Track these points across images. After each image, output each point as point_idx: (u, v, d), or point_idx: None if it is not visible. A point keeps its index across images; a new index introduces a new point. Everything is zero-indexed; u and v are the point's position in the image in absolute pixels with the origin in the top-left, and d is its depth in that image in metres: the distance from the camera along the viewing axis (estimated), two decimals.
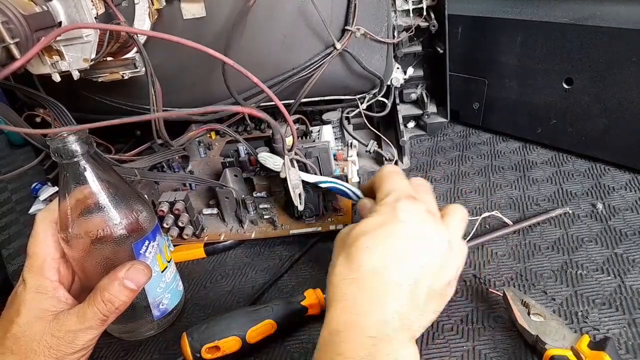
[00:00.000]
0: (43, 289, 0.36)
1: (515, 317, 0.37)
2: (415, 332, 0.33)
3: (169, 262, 0.44)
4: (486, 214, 0.51)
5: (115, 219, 0.38)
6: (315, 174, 0.51)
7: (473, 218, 0.51)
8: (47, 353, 0.34)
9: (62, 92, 0.44)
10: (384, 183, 0.38)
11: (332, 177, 0.49)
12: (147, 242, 0.40)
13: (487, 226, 0.51)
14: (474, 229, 0.49)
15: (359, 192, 0.44)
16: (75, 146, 0.35)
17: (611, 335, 0.37)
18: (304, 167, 0.50)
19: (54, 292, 0.36)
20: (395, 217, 0.34)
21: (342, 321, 0.31)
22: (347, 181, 0.53)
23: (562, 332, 0.35)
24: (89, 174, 0.37)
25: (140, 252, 0.40)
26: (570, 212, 0.50)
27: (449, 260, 0.35)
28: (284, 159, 0.47)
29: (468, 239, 0.48)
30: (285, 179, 0.47)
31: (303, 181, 0.48)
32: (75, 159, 0.35)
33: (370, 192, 0.41)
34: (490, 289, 0.42)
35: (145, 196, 0.53)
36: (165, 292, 0.43)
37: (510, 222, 0.50)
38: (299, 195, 0.48)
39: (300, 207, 0.48)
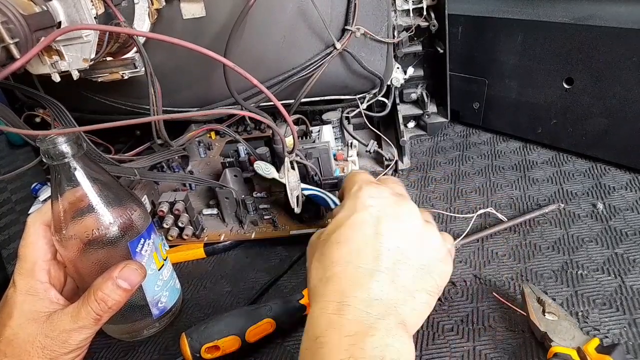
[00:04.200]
0: (34, 291, 0.36)
1: (528, 313, 0.37)
2: (406, 316, 0.30)
3: (165, 259, 0.44)
4: (481, 211, 0.51)
5: (109, 219, 0.38)
6: (316, 174, 0.51)
7: (468, 216, 0.51)
8: (41, 354, 0.34)
9: (62, 92, 0.44)
10: (348, 182, 0.38)
11: (314, 185, 0.50)
12: (142, 241, 0.40)
13: (488, 226, 0.51)
14: (469, 227, 0.49)
15: (337, 200, 0.43)
16: (65, 147, 0.35)
17: (611, 336, 0.37)
18: (304, 169, 0.50)
19: (45, 294, 0.36)
20: (361, 204, 0.34)
21: (321, 324, 0.29)
22: None
23: (572, 333, 0.35)
24: (80, 175, 0.36)
25: (136, 250, 0.40)
26: (563, 206, 0.50)
27: (428, 235, 0.33)
28: (284, 161, 0.47)
29: (463, 236, 0.48)
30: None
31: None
32: (66, 160, 0.35)
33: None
34: (494, 293, 0.42)
35: (145, 196, 0.54)
36: (163, 290, 0.43)
37: (505, 219, 0.50)
38: (297, 198, 0.47)
39: (297, 210, 0.48)
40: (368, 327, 0.28)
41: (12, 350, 0.34)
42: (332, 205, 0.44)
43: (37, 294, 0.36)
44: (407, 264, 0.31)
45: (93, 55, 0.37)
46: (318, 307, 0.30)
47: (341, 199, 0.42)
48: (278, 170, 0.49)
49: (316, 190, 0.46)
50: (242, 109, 0.51)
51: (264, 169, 0.49)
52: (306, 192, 0.47)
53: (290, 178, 0.47)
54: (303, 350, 0.30)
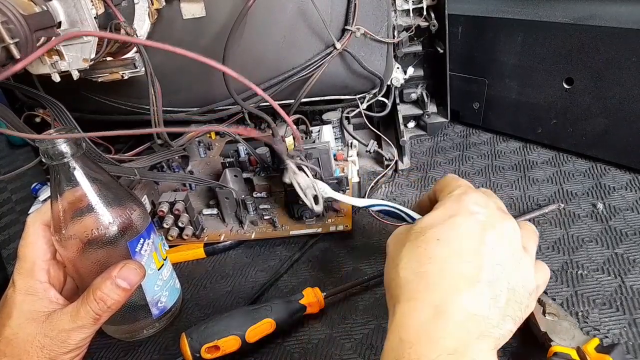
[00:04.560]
0: (33, 291, 0.36)
1: None
2: (497, 340, 0.28)
3: (164, 259, 0.44)
4: None
5: (109, 218, 0.38)
6: (315, 175, 0.51)
7: None
8: (40, 354, 0.34)
9: (62, 91, 0.44)
10: (448, 184, 0.35)
11: (380, 200, 0.44)
12: (142, 240, 0.40)
13: None
14: None
15: (413, 213, 0.40)
16: (64, 147, 0.35)
17: (611, 336, 0.37)
18: (304, 170, 0.50)
19: (44, 294, 0.36)
20: (465, 209, 0.31)
21: (413, 327, 0.27)
22: (347, 182, 0.54)
23: (572, 333, 0.35)
24: (80, 175, 0.36)
25: (136, 250, 0.40)
26: (563, 206, 0.51)
27: (526, 263, 0.31)
28: (284, 162, 0.47)
29: None
30: (286, 182, 0.47)
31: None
32: (65, 160, 0.35)
33: (426, 208, 0.36)
34: None
35: (145, 196, 0.54)
36: (163, 290, 0.43)
37: None
38: (313, 197, 0.46)
39: (317, 209, 0.45)
40: (465, 346, 0.26)
41: (12, 350, 0.34)
42: (410, 220, 0.40)
43: (37, 293, 0.36)
44: (505, 285, 0.29)
45: (93, 56, 0.37)
46: (411, 305, 0.28)
47: (421, 210, 0.39)
48: (278, 171, 0.49)
49: (386, 205, 0.42)
50: (242, 110, 0.51)
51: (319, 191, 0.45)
52: (376, 208, 0.43)
53: (299, 179, 0.46)
54: (388, 350, 0.27)
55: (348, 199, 0.45)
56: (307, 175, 0.46)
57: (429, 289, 0.28)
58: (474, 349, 0.26)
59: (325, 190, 0.46)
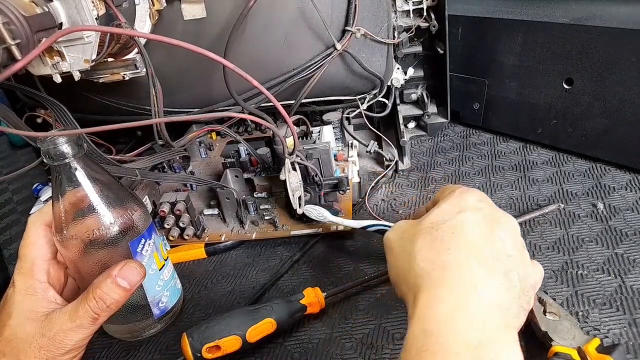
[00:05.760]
0: (32, 291, 0.36)
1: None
2: (516, 330, 0.28)
3: (166, 260, 0.44)
4: None
5: (110, 219, 0.38)
6: (316, 175, 0.51)
7: None
8: (38, 354, 0.34)
9: (63, 92, 0.44)
10: (447, 189, 0.36)
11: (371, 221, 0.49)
12: (143, 241, 0.40)
13: None
14: None
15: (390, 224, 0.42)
16: (66, 148, 0.35)
17: (611, 336, 0.37)
18: (305, 170, 0.50)
19: (43, 293, 0.36)
20: (472, 205, 0.33)
21: (438, 317, 0.27)
22: (347, 182, 0.54)
23: (573, 332, 0.35)
24: (81, 175, 0.36)
25: (137, 250, 0.40)
26: (563, 206, 0.51)
27: (527, 257, 0.32)
28: (284, 162, 0.47)
29: None
30: (281, 179, 0.47)
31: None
32: (66, 161, 0.35)
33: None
34: None
35: (147, 197, 0.54)
36: (164, 290, 0.43)
37: None
38: (299, 198, 0.47)
39: (300, 211, 0.48)
40: (489, 338, 0.26)
41: (11, 350, 0.34)
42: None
43: (36, 293, 0.36)
44: (516, 276, 0.30)
45: (94, 56, 0.37)
46: (433, 296, 0.28)
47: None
48: (279, 171, 0.49)
49: (379, 225, 0.46)
50: (242, 110, 0.51)
51: (316, 213, 0.50)
52: (371, 229, 0.47)
53: (291, 179, 0.47)
54: (411, 340, 0.27)
55: (348, 222, 0.49)
56: (299, 178, 0.47)
57: (450, 279, 0.29)
58: (499, 341, 0.26)
59: (325, 216, 0.50)
